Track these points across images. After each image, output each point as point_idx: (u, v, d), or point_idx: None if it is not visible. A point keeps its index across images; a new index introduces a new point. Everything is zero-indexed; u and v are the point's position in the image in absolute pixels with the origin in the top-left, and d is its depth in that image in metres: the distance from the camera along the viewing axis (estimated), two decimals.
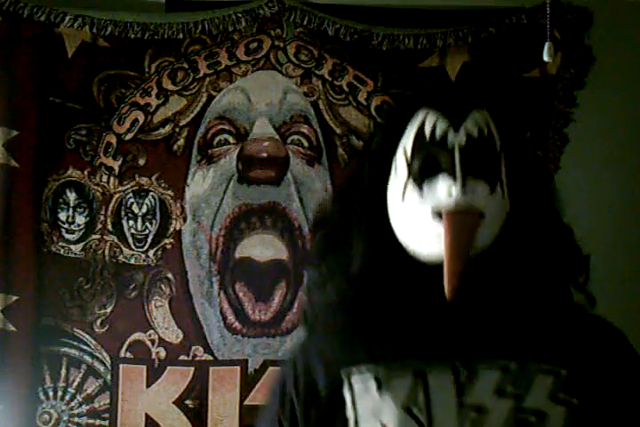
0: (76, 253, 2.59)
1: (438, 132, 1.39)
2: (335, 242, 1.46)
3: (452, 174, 1.36)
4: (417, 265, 1.40)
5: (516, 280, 1.40)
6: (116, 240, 2.60)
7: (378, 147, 1.46)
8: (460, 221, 1.35)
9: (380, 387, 1.36)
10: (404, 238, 1.41)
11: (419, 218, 1.38)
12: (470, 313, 1.38)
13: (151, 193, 2.62)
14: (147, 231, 2.61)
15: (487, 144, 1.39)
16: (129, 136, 2.62)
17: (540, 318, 1.40)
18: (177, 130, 2.63)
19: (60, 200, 2.60)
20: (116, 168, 2.61)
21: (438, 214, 1.36)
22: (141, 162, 2.62)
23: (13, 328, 2.54)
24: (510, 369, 1.35)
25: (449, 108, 1.41)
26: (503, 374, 1.35)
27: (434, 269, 1.37)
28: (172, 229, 2.61)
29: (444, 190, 1.35)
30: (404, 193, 1.39)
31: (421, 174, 1.38)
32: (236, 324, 2.59)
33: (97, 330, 2.57)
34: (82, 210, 2.61)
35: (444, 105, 1.41)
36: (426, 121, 1.40)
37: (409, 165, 1.39)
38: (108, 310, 2.58)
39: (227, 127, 2.64)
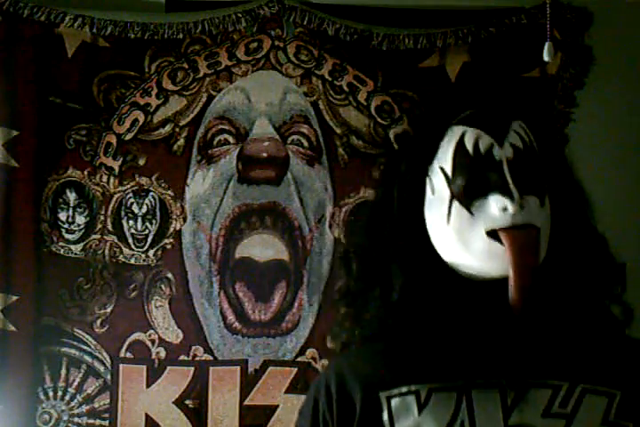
0: (76, 253, 2.59)
1: (482, 149, 1.34)
2: (368, 271, 1.41)
3: (505, 190, 1.32)
4: (466, 283, 1.35)
5: (567, 297, 1.36)
6: (115, 240, 2.60)
7: (408, 168, 1.40)
8: (520, 237, 1.31)
9: (421, 407, 1.31)
10: (450, 259, 1.36)
11: (470, 237, 1.33)
12: (525, 330, 1.32)
13: (151, 193, 2.62)
14: (147, 231, 2.61)
15: (531, 156, 1.35)
16: (129, 136, 2.62)
17: (590, 337, 1.36)
18: (177, 130, 2.63)
19: (60, 200, 2.60)
20: (116, 168, 2.61)
21: (494, 233, 1.32)
22: (141, 162, 2.62)
23: (13, 328, 2.54)
24: (561, 390, 1.30)
25: (488, 123, 1.36)
26: (553, 395, 1.30)
27: (486, 286, 1.34)
28: (172, 229, 2.61)
29: (499, 207, 1.31)
30: (449, 213, 1.34)
31: (469, 193, 1.33)
32: (236, 324, 2.59)
33: (97, 330, 2.57)
34: (82, 210, 2.61)
35: (481, 120, 1.37)
36: (465, 138, 1.35)
37: (451, 185, 1.35)
38: (108, 310, 2.58)
39: (227, 127, 2.64)
